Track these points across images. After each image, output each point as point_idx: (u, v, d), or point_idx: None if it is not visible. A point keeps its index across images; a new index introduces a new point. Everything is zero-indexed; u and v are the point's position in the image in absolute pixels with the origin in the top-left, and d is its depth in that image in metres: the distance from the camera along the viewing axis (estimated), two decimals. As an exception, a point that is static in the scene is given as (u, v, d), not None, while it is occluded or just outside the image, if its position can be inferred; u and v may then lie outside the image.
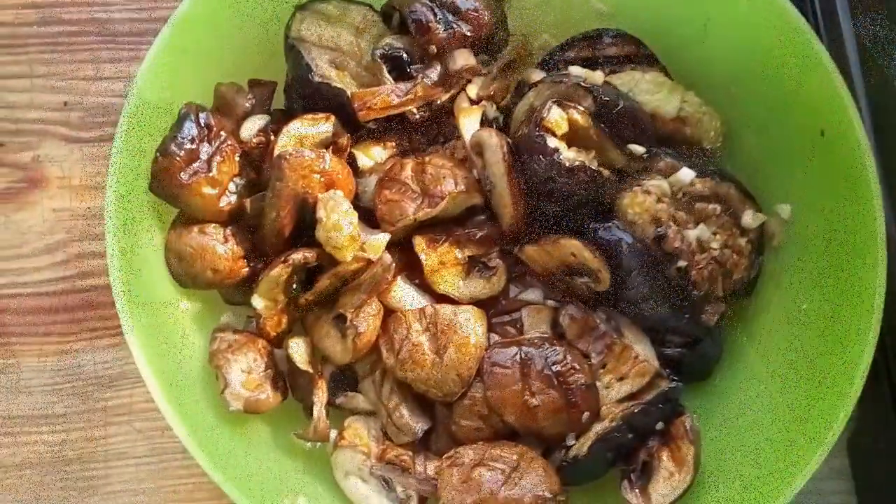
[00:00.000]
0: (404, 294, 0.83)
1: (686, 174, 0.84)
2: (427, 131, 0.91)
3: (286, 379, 0.84)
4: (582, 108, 0.82)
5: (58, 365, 0.94)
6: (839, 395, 0.75)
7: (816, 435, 0.75)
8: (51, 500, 0.89)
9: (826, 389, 0.76)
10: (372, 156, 0.88)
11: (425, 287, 0.84)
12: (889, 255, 0.77)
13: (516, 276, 0.88)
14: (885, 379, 0.80)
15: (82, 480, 0.90)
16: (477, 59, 0.90)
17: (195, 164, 0.80)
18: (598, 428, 0.80)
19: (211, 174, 0.81)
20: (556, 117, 0.80)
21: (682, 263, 0.82)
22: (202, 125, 0.82)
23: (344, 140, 0.86)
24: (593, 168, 0.80)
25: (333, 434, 0.84)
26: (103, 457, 0.91)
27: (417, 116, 0.87)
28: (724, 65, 0.88)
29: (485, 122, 0.88)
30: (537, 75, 0.91)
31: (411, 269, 0.85)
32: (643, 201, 0.82)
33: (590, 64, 0.91)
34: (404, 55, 0.87)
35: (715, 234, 0.84)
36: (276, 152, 0.82)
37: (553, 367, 0.80)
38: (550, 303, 0.87)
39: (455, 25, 0.86)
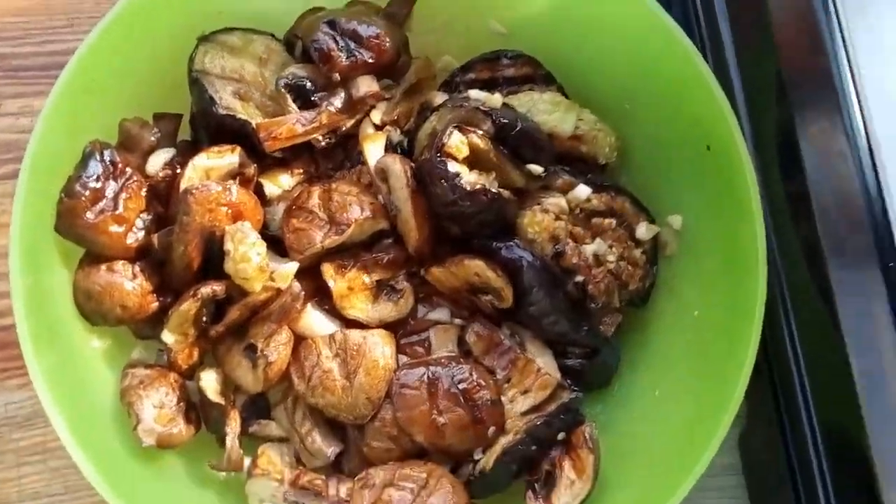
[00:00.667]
0: (314, 321, 0.85)
1: (582, 191, 0.87)
2: (333, 157, 0.92)
3: (199, 411, 0.85)
4: (481, 132, 0.84)
5: (-33, 408, 0.94)
6: (725, 399, 0.80)
7: (705, 437, 0.79)
8: (-36, 544, 0.90)
9: (713, 394, 0.81)
10: (279, 184, 0.90)
11: (335, 312, 0.86)
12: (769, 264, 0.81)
13: (424, 297, 0.90)
14: (767, 379, 0.85)
15: (-4, 522, 0.91)
16: (380, 85, 0.92)
17: (101, 203, 0.81)
18: (503, 441, 0.83)
19: (117, 212, 0.82)
20: (457, 142, 0.83)
21: (579, 278, 0.86)
22: (107, 162, 0.83)
23: (250, 170, 0.87)
24: (493, 190, 0.83)
25: (247, 462, 0.85)
26: (17, 497, 0.93)
27: (323, 143, 0.89)
28: (617, 83, 0.92)
29: (389, 147, 0.90)
30: (440, 98, 0.94)
31: (321, 294, 0.86)
32: (541, 220, 0.86)
33: (490, 85, 0.94)
34: (308, 84, 0.89)
35: (611, 246, 0.88)
36: (182, 186, 0.82)
37: (459, 385, 0.83)
38: (457, 321, 0.89)
39: (357, 53, 0.88)
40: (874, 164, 0.68)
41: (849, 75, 0.71)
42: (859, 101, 0.70)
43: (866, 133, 0.69)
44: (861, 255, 0.69)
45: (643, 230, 0.89)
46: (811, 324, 0.77)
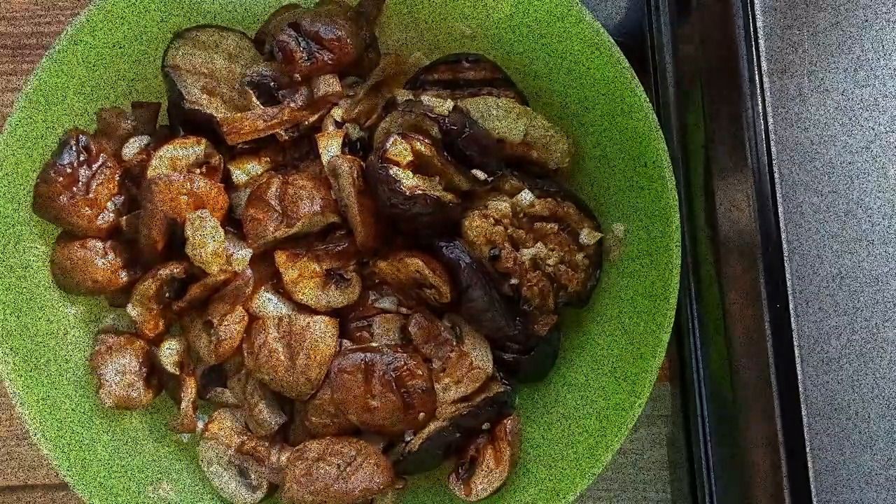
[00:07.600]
0: (267, 303, 0.91)
1: (525, 197, 0.91)
2: (300, 147, 0.97)
3: (161, 376, 0.93)
4: (426, 140, 0.88)
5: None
6: (637, 392, 0.85)
7: (618, 431, 0.85)
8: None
9: (628, 388, 0.87)
10: (247, 171, 0.94)
11: (288, 295, 0.92)
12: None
13: (375, 285, 0.94)
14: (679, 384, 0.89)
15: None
16: (344, 82, 0.96)
17: (74, 188, 0.88)
18: (432, 426, 0.89)
19: (89, 196, 0.88)
20: (399, 149, 0.86)
21: (514, 281, 0.90)
22: (82, 149, 0.89)
23: (215, 160, 0.92)
24: (432, 195, 0.86)
25: (201, 425, 0.92)
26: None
27: (286, 137, 0.93)
28: (573, 92, 0.94)
29: (346, 143, 0.94)
30: (403, 95, 0.96)
31: (277, 278, 0.92)
32: (479, 225, 0.89)
33: (451, 85, 0.96)
34: (271, 82, 0.94)
35: (552, 250, 0.91)
36: (148, 175, 0.89)
37: (393, 373, 0.88)
38: (403, 310, 0.94)
39: (318, 54, 0.92)
40: (775, 214, 0.70)
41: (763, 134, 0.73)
42: (768, 155, 0.71)
43: (771, 183, 0.71)
44: (752, 293, 0.71)
45: (585, 236, 0.92)
46: (714, 343, 0.81)
